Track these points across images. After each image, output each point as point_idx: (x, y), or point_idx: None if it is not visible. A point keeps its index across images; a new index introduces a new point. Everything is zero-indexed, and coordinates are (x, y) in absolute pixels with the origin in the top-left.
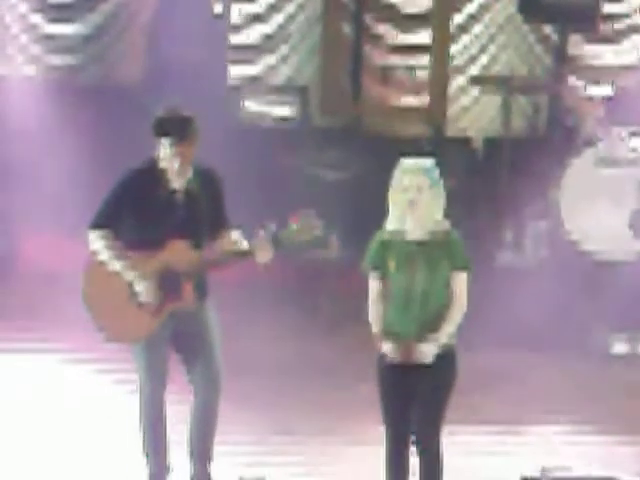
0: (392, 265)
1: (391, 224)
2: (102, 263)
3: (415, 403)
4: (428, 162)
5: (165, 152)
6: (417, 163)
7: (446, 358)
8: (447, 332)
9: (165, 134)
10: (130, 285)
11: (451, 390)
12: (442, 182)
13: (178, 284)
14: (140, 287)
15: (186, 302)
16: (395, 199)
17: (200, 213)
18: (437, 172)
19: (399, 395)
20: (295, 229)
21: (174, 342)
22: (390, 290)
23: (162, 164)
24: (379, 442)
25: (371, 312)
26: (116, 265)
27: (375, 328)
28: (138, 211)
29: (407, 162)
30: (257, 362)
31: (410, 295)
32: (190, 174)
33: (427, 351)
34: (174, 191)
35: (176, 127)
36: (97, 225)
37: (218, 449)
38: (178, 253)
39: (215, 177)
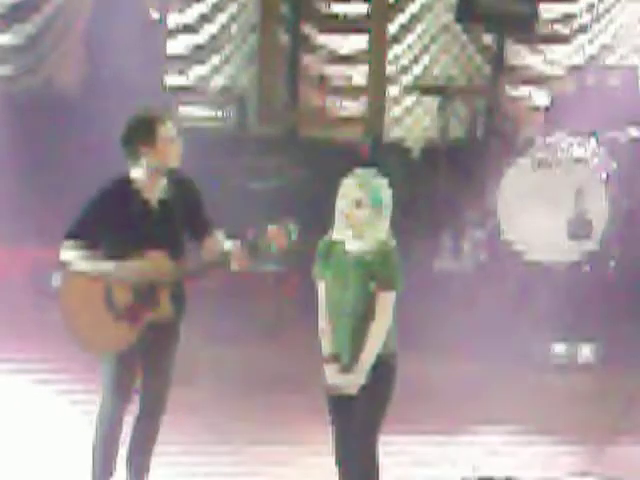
0: (328, 275)
1: (334, 233)
2: (78, 273)
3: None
4: (376, 180)
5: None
6: (363, 178)
7: (380, 370)
8: (367, 359)
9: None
10: (107, 295)
11: (386, 402)
12: (389, 201)
13: (155, 294)
14: (125, 272)
15: (163, 312)
16: (337, 209)
17: (175, 223)
18: (384, 192)
19: (338, 410)
20: (273, 236)
21: (143, 350)
22: (328, 301)
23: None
24: (324, 447)
25: (319, 322)
26: (94, 267)
27: (322, 341)
28: (113, 224)
29: (354, 174)
30: (195, 369)
31: (341, 310)
32: (164, 184)
33: (350, 385)
34: (148, 202)
35: None
36: (72, 235)
37: (156, 459)
38: (155, 264)
39: (189, 184)
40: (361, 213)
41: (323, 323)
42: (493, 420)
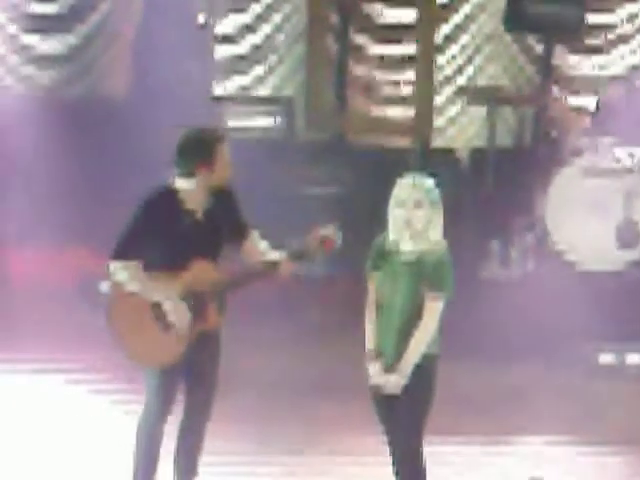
0: (380, 275)
1: (391, 234)
2: (127, 292)
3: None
4: (428, 180)
5: (227, 158)
6: (417, 179)
7: (422, 372)
8: (410, 360)
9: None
10: (155, 309)
11: (428, 404)
12: (441, 203)
13: (203, 305)
14: (169, 307)
15: (211, 323)
16: (393, 214)
17: (219, 232)
18: (437, 192)
19: (383, 412)
20: (316, 242)
21: (188, 360)
22: (377, 302)
23: (218, 174)
24: (371, 455)
25: (366, 321)
26: (144, 291)
27: (367, 340)
28: (159, 236)
29: (407, 177)
30: (245, 376)
31: (391, 311)
32: (208, 194)
33: (392, 384)
34: (194, 213)
35: None
36: (119, 255)
37: (205, 464)
38: (201, 274)
39: (228, 191)
40: (421, 213)
41: (370, 321)
42: (540, 427)
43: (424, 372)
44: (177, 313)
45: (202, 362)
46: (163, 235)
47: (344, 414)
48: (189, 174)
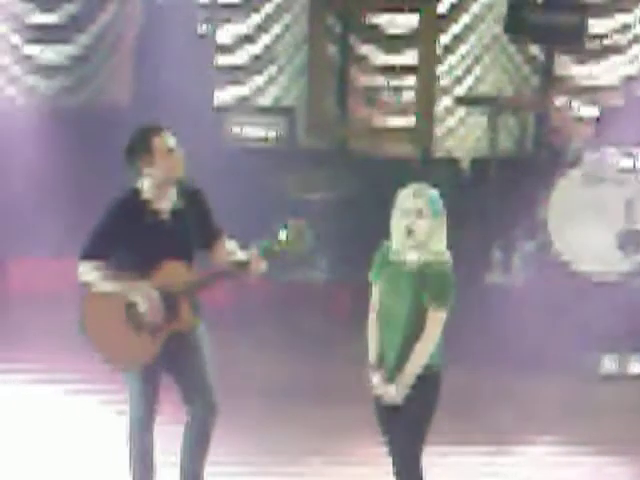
0: (383, 283)
1: (393, 244)
2: (98, 294)
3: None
4: (432, 190)
5: (166, 149)
6: (421, 189)
7: (424, 384)
8: (411, 372)
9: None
10: (128, 309)
11: (428, 416)
12: (445, 213)
13: (175, 305)
14: (145, 307)
15: (184, 323)
16: (396, 222)
17: (188, 233)
18: (440, 202)
19: (385, 423)
20: (286, 239)
21: (167, 363)
22: (380, 311)
23: (166, 173)
24: (367, 462)
25: (368, 330)
26: (117, 288)
27: (369, 350)
28: (128, 238)
29: (411, 186)
30: (244, 382)
31: (392, 319)
32: (173, 195)
33: (392, 394)
34: (159, 213)
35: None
36: (88, 256)
37: (208, 470)
38: (173, 274)
39: (199, 194)
40: (423, 224)
41: (372, 331)
42: (542, 432)
43: (427, 384)
44: (152, 311)
45: (185, 361)
46: (129, 235)
47: (342, 420)
48: (138, 173)
